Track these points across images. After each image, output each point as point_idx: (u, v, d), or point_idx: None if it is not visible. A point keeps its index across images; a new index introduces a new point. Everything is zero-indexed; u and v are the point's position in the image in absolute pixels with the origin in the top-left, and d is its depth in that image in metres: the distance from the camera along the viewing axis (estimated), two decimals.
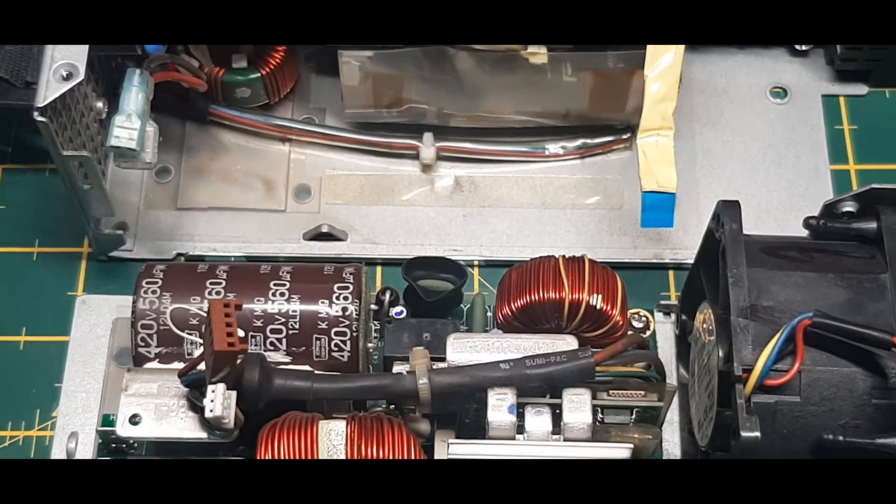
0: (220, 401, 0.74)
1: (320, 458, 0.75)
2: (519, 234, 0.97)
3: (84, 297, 0.93)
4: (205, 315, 0.78)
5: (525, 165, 1.00)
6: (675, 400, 0.85)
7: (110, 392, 0.87)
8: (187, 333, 0.80)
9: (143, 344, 0.81)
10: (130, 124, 0.86)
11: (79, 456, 0.85)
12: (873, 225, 0.80)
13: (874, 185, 0.80)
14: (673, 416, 0.88)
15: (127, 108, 0.87)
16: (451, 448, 0.78)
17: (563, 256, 0.85)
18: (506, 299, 0.84)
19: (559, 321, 0.83)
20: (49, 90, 0.82)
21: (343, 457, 0.75)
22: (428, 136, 0.98)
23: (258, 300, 0.82)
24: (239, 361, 0.75)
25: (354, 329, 0.82)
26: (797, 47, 1.04)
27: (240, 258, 0.95)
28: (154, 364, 0.81)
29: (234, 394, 0.75)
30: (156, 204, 0.98)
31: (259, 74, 0.98)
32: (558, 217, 0.98)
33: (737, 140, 1.01)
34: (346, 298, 0.82)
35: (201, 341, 0.79)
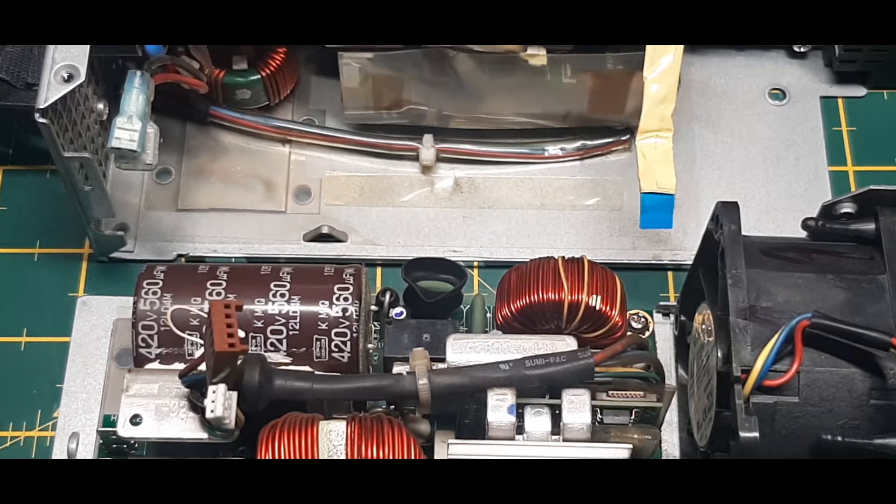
0: (220, 401, 0.74)
1: (320, 458, 0.75)
2: (518, 235, 0.97)
3: (85, 298, 0.93)
4: (205, 316, 0.78)
5: (524, 167, 1.00)
6: (675, 400, 0.85)
7: (111, 393, 0.87)
8: (188, 334, 0.80)
9: (143, 344, 0.82)
10: (131, 126, 0.86)
11: (80, 456, 0.85)
12: (872, 226, 0.80)
13: (872, 187, 0.80)
14: (672, 417, 0.88)
15: (128, 109, 0.87)
16: (451, 448, 0.78)
17: (563, 257, 0.85)
18: (505, 300, 0.84)
19: (558, 322, 0.83)
20: (50, 92, 0.82)
21: (343, 457, 0.75)
22: (428, 137, 0.99)
23: (258, 301, 0.82)
24: (239, 362, 0.75)
25: (354, 330, 0.82)
26: (796, 49, 1.04)
27: (240, 259, 0.96)
28: (155, 365, 0.81)
29: (234, 394, 0.75)
30: (156, 205, 0.98)
31: (259, 76, 0.98)
32: (558, 218, 0.98)
33: (736, 141, 1.01)
34: (346, 299, 0.82)
35: (202, 342, 0.80)
